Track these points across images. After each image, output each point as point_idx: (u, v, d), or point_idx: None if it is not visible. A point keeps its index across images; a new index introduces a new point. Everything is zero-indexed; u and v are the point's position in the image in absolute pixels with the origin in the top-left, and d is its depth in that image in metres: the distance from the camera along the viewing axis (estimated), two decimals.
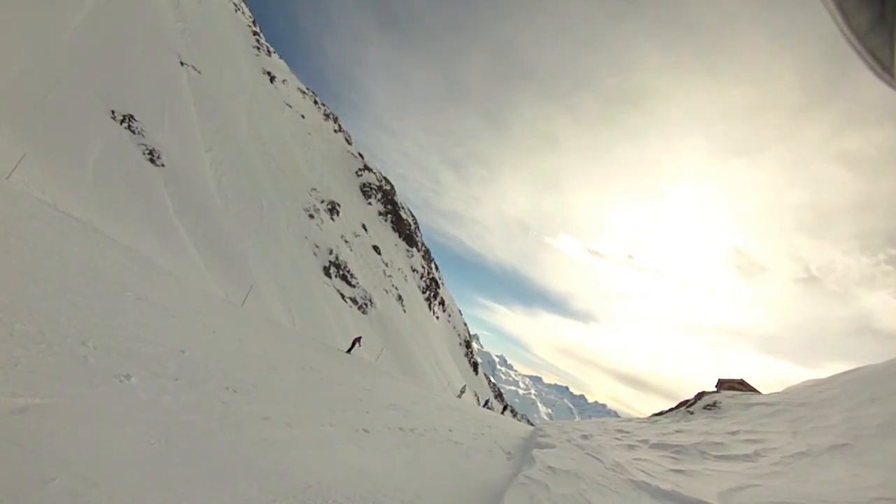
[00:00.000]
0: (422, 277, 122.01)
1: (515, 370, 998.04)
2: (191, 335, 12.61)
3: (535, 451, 11.59)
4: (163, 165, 52.01)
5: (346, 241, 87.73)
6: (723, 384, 22.98)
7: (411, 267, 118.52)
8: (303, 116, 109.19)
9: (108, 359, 7.48)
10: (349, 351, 31.83)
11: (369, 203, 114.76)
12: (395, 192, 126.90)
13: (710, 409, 17.28)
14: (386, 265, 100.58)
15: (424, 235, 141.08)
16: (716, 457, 11.05)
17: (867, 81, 1.32)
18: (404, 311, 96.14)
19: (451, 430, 15.22)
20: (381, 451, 10.05)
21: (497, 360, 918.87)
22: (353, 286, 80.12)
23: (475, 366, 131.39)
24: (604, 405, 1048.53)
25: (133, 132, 51.35)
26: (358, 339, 33.91)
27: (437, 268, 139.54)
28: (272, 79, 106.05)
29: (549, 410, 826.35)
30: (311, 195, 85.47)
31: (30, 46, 44.95)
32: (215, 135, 67.26)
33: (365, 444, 10.00)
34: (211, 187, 58.58)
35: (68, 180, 37.23)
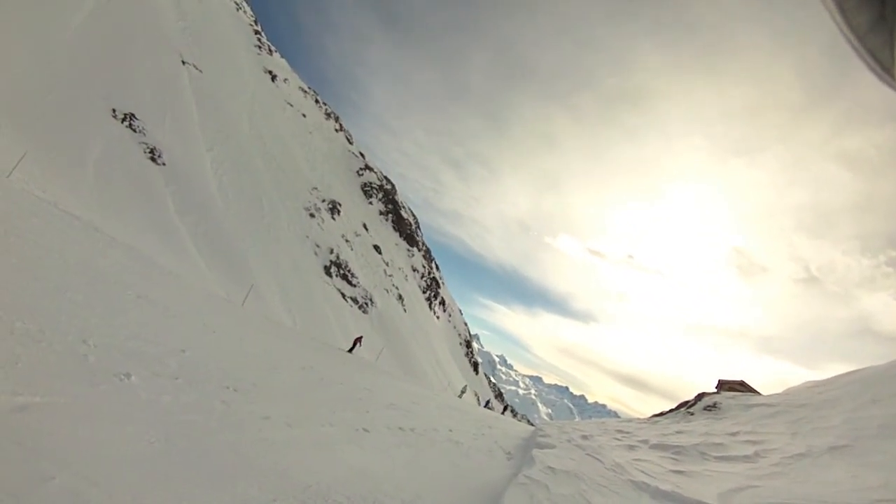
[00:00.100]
0: (422, 277, 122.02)
1: (516, 370, 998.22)
2: (191, 334, 12.61)
3: (535, 452, 11.59)
4: (164, 164, 52.05)
5: (346, 241, 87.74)
6: (723, 385, 22.94)
7: (412, 266, 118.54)
8: (304, 116, 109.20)
9: (108, 357, 7.48)
10: (351, 351, 31.85)
11: (370, 202, 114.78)
12: (395, 191, 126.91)
13: (710, 410, 17.27)
14: (386, 265, 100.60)
15: (425, 235, 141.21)
16: (716, 458, 11.04)
17: (867, 82, 1.32)
18: (405, 311, 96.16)
19: (451, 430, 15.22)
20: (382, 451, 10.05)
21: (497, 359, 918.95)
22: (354, 285, 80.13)
23: (475, 365, 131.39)
24: (604, 405, 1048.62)
25: (134, 131, 51.39)
26: (359, 339, 33.93)
27: (437, 267, 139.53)
28: (273, 78, 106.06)
29: (550, 410, 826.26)
30: (311, 194, 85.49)
31: (31, 45, 44.99)
32: (216, 134, 67.27)
33: (365, 444, 10.00)
34: (212, 186, 58.60)
35: (69, 179, 37.26)
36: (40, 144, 35.94)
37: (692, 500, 7.95)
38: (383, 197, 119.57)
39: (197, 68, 72.88)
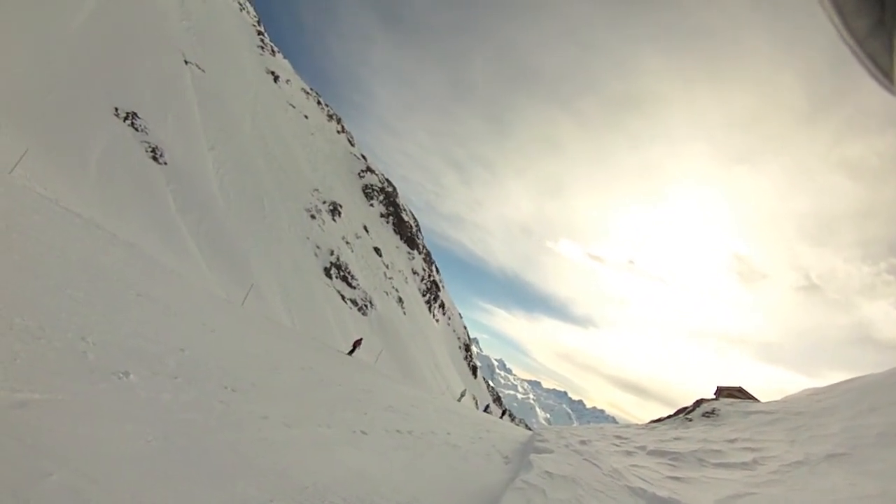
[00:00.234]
0: (422, 280, 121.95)
1: (514, 374, 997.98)
2: (191, 333, 12.62)
3: (533, 456, 11.58)
4: (165, 163, 52.11)
5: (347, 243, 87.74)
6: (721, 391, 22.91)
7: (412, 269, 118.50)
8: (306, 117, 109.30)
9: (107, 355, 7.49)
10: (351, 353, 31.83)
11: (371, 205, 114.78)
12: (397, 193, 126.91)
13: (708, 417, 17.26)
14: (387, 267, 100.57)
15: (426, 238, 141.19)
16: (713, 464, 11.03)
17: (869, 89, 1.32)
18: (404, 314, 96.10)
19: (449, 434, 15.22)
20: (379, 453, 10.05)
21: (496, 363, 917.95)
22: (354, 287, 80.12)
23: (474, 369, 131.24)
24: (602, 411, 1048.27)
25: (136, 130, 51.47)
26: (359, 342, 33.92)
27: (437, 270, 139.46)
28: (276, 78, 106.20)
29: (548, 415, 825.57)
30: (313, 196, 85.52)
31: (33, 43, 45.06)
32: (218, 134, 67.34)
33: (363, 446, 10.00)
34: (213, 186, 58.66)
35: (71, 176, 37.31)
36: (42, 142, 35.99)
37: None
38: (384, 199, 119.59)
39: (199, 68, 72.98)
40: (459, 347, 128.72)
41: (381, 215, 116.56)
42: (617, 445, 14.10)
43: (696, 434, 14.93)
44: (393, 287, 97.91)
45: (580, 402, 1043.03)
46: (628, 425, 22.56)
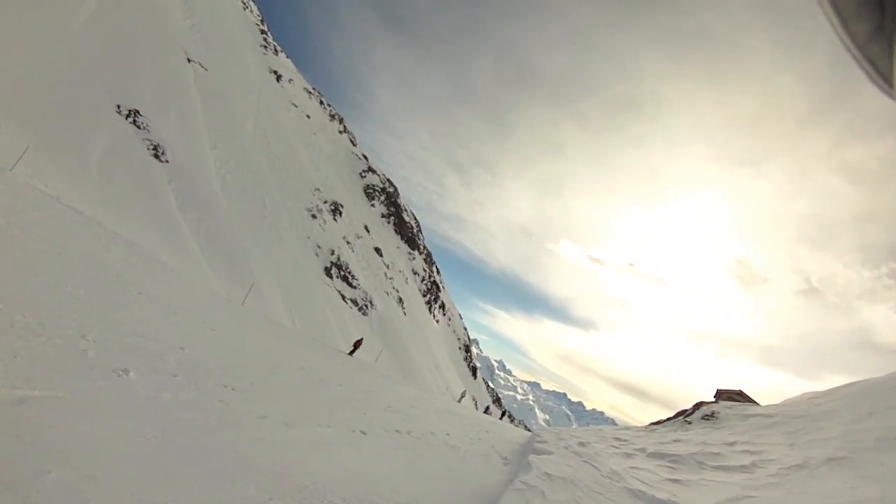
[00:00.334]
0: (423, 280, 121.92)
1: (514, 376, 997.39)
2: (191, 332, 12.63)
3: (532, 457, 11.58)
4: (167, 161, 52.10)
5: (348, 243, 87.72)
6: (721, 395, 22.93)
7: (413, 270, 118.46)
8: (308, 116, 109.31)
9: (107, 353, 7.49)
10: (351, 353, 31.83)
11: (372, 205, 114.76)
12: (398, 194, 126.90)
13: (708, 420, 17.25)
14: (387, 267, 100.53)
15: (427, 239, 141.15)
16: (713, 467, 11.03)
17: (870, 93, 1.32)
18: (405, 314, 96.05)
19: (448, 434, 15.21)
20: (379, 453, 10.05)
21: (496, 364, 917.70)
22: (354, 287, 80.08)
23: (474, 370, 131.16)
24: (601, 413, 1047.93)
25: (138, 127, 51.45)
26: (359, 342, 33.91)
27: (438, 271, 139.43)
28: (279, 78, 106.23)
29: (547, 417, 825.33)
30: (314, 195, 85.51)
31: (36, 41, 45.07)
32: (220, 132, 67.35)
33: (362, 446, 10.00)
34: (215, 185, 58.65)
35: (72, 174, 37.30)
36: (44, 139, 35.98)
37: None
38: (386, 199, 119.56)
39: (202, 66, 73.01)
40: (459, 348, 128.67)
41: (383, 215, 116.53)
42: (616, 447, 14.10)
43: (696, 437, 14.93)
44: (393, 287, 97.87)
45: (580, 403, 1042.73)
46: (627, 427, 22.57)
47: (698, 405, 20.15)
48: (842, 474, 9.28)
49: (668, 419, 21.00)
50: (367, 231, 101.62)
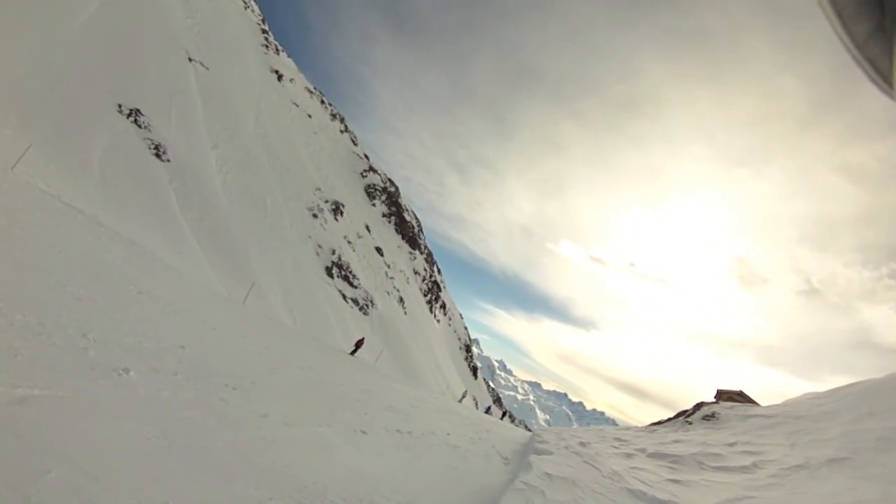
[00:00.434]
0: (424, 280, 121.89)
1: (515, 375, 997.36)
2: (191, 331, 12.63)
3: (533, 457, 11.57)
4: (168, 161, 52.07)
5: (349, 242, 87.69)
6: (722, 395, 22.91)
7: (413, 269, 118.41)
8: (309, 116, 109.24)
9: (107, 352, 7.50)
10: (353, 353, 31.84)
11: (373, 204, 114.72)
12: (399, 193, 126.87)
13: (708, 420, 17.24)
14: (388, 267, 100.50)
15: (427, 238, 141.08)
16: (713, 468, 11.02)
17: (871, 94, 1.32)
18: (405, 314, 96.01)
19: (449, 434, 15.21)
20: (379, 453, 10.05)
21: (497, 364, 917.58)
22: (355, 287, 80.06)
23: (475, 370, 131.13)
24: (602, 413, 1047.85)
25: (139, 126, 51.42)
26: (361, 341, 33.91)
27: (439, 271, 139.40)
28: (280, 77, 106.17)
29: (548, 417, 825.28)
30: (315, 195, 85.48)
31: (37, 40, 45.07)
32: (221, 132, 67.35)
33: (363, 446, 10.00)
34: (216, 184, 58.64)
35: (73, 173, 37.31)
36: (45, 138, 36.01)
37: None
38: (387, 199, 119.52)
39: (203, 66, 73.00)
40: (460, 348, 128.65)
41: (383, 215, 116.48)
42: (616, 448, 14.09)
43: (696, 437, 14.92)
44: (394, 287, 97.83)
45: (580, 403, 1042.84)
46: (628, 428, 22.56)
47: (699, 405, 20.14)
48: (842, 475, 9.27)
49: (669, 419, 20.99)
50: (368, 230, 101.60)
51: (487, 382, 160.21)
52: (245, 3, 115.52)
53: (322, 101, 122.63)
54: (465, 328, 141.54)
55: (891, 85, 1.23)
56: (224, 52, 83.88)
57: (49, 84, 42.85)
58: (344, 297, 75.70)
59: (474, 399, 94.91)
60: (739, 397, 22.63)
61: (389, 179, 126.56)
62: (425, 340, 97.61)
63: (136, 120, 51.33)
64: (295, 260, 67.20)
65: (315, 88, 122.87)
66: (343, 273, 78.68)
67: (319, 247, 76.87)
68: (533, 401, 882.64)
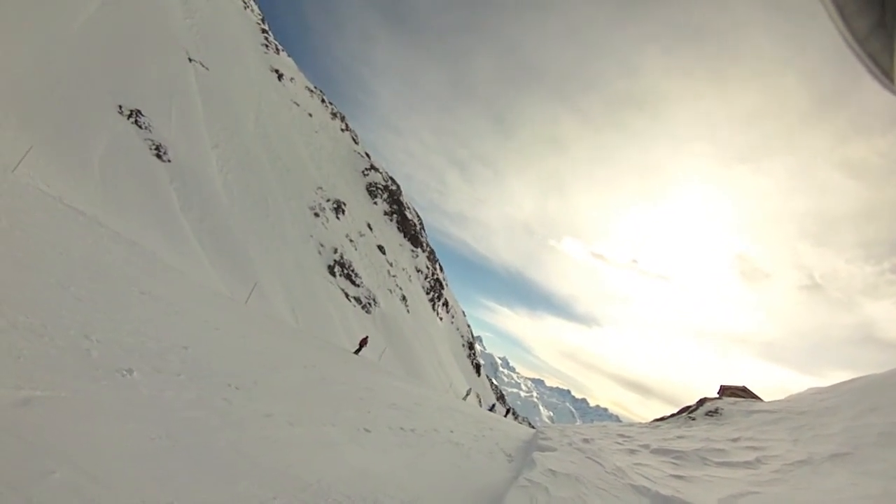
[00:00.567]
0: (426, 278, 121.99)
1: (518, 372, 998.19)
2: (194, 331, 12.64)
3: (536, 454, 11.58)
4: (169, 161, 52.13)
5: (350, 241, 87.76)
6: (725, 391, 22.88)
7: (416, 267, 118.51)
8: (310, 115, 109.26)
9: (110, 353, 7.50)
10: (357, 352, 31.88)
11: (375, 203, 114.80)
12: (400, 192, 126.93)
13: (711, 416, 17.24)
14: (390, 265, 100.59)
15: (429, 236, 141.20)
16: (716, 463, 11.02)
17: (871, 89, 1.32)
18: (408, 312, 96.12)
19: (452, 432, 15.21)
20: (383, 451, 10.05)
21: (499, 362, 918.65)
22: (358, 285, 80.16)
23: (478, 367, 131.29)
24: (605, 409, 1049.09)
25: (140, 127, 51.47)
26: (365, 340, 33.95)
27: (441, 269, 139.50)
28: (280, 77, 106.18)
29: (551, 413, 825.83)
30: (316, 194, 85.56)
31: (37, 40, 45.10)
32: (222, 131, 67.40)
33: (366, 444, 10.00)
34: (217, 184, 58.71)
35: (74, 174, 37.35)
36: (46, 139, 36.06)
37: None
38: (388, 197, 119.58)
39: (203, 66, 73.03)
40: (463, 345, 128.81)
41: (385, 213, 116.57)
42: (620, 444, 14.10)
43: (700, 433, 14.92)
44: (396, 285, 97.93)
45: (583, 400, 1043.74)
46: (631, 424, 22.56)
47: (702, 401, 20.12)
48: (845, 470, 9.27)
49: (672, 415, 20.99)
50: (370, 229, 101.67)
51: (490, 380, 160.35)
52: (244, 2, 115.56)
53: (322, 100, 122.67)
54: (468, 326, 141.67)
55: (892, 80, 1.23)
56: (224, 52, 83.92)
57: (49, 84, 42.89)
58: (346, 295, 75.80)
59: (478, 396, 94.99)
60: (742, 393, 22.61)
61: (391, 178, 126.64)
62: (428, 338, 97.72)
63: (136, 121, 51.41)
64: (297, 259, 67.28)
65: (315, 87, 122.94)
66: (345, 272, 78.78)
67: (321, 246, 76.96)
68: (536, 398, 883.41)
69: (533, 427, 29.25)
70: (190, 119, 61.65)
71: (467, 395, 54.86)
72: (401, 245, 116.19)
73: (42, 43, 45.39)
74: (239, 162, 67.16)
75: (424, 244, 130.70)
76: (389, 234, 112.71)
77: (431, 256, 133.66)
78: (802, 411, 14.30)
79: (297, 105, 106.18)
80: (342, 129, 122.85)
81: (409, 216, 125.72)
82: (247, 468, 6.25)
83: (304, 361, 17.32)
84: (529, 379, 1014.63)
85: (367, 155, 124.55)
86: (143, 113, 52.77)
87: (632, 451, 12.91)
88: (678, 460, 11.54)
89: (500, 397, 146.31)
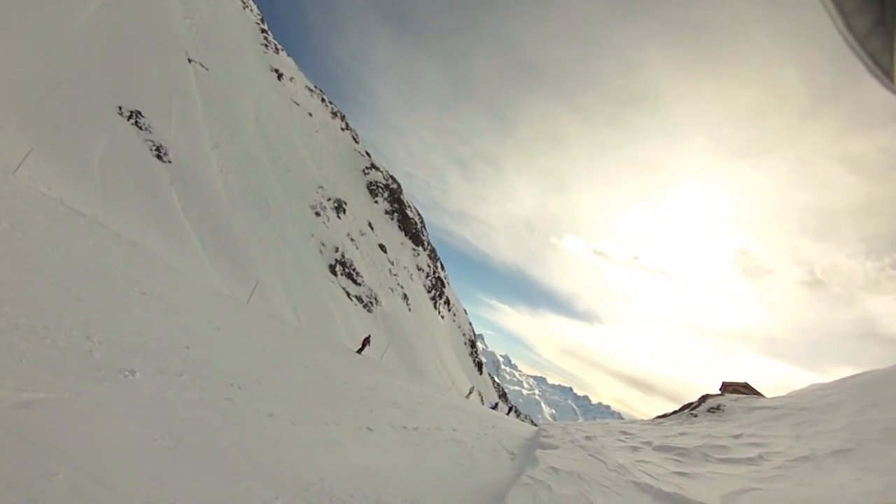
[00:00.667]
0: (427, 276, 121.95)
1: (520, 370, 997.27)
2: (195, 331, 12.66)
3: (539, 452, 11.59)
4: (169, 162, 52.13)
5: (352, 240, 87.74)
6: (727, 387, 22.86)
7: (417, 266, 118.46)
8: (310, 114, 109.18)
9: (112, 354, 7.51)
10: (360, 351, 31.89)
11: (376, 201, 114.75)
12: (401, 190, 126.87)
13: (713, 412, 17.23)
14: (392, 264, 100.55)
15: (430, 234, 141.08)
16: (719, 460, 11.02)
17: (871, 84, 1.32)
18: (409, 310, 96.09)
19: (454, 430, 15.21)
20: (385, 450, 10.06)
21: (501, 359, 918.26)
22: (359, 284, 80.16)
23: (480, 366, 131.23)
24: (607, 407, 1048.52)
25: (140, 128, 51.47)
26: (367, 339, 33.97)
27: (442, 267, 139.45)
28: (280, 76, 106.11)
29: (553, 411, 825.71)
30: (317, 193, 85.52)
31: (36, 42, 45.10)
32: (222, 131, 67.37)
33: (369, 443, 10.01)
34: (217, 184, 58.69)
35: (74, 176, 37.37)
36: (46, 141, 36.08)
37: (695, 501, 7.94)
38: (389, 196, 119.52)
39: (203, 66, 72.99)
40: (465, 343, 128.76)
41: (386, 212, 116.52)
42: (622, 441, 14.10)
43: (702, 430, 14.92)
44: (398, 284, 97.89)
45: (585, 397, 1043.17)
46: (633, 421, 22.56)
47: (704, 398, 20.11)
48: (847, 466, 9.26)
49: (674, 412, 20.98)
50: (371, 228, 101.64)
51: (493, 377, 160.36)
52: (244, 2, 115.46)
53: (322, 100, 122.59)
54: (470, 324, 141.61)
55: (891, 79, 1.23)
56: (223, 52, 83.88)
57: (49, 84, 42.91)
58: (348, 294, 75.80)
59: (480, 395, 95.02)
60: (744, 389, 22.59)
61: (391, 176, 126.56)
62: (430, 337, 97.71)
63: (136, 122, 51.43)
64: (298, 258, 67.28)
65: (315, 87, 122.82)
66: (346, 271, 78.78)
67: (322, 245, 76.95)
68: (538, 395, 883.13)
69: (535, 425, 29.27)
70: (190, 119, 61.64)
71: (470, 393, 54.83)
72: (402, 243, 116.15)
73: (42, 43, 45.40)
74: (239, 162, 67.15)
75: (425, 242, 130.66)
76: (390, 232, 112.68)
77: (432, 255, 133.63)
78: (805, 407, 14.29)
79: (297, 105, 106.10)
80: (342, 129, 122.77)
81: (410, 215, 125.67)
82: (249, 468, 6.26)
83: (306, 361, 17.33)
84: (531, 376, 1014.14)
85: (368, 154, 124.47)
86: (142, 114, 52.77)
87: (634, 449, 12.91)
88: (680, 457, 11.54)
89: (503, 395, 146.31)
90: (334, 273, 75.81)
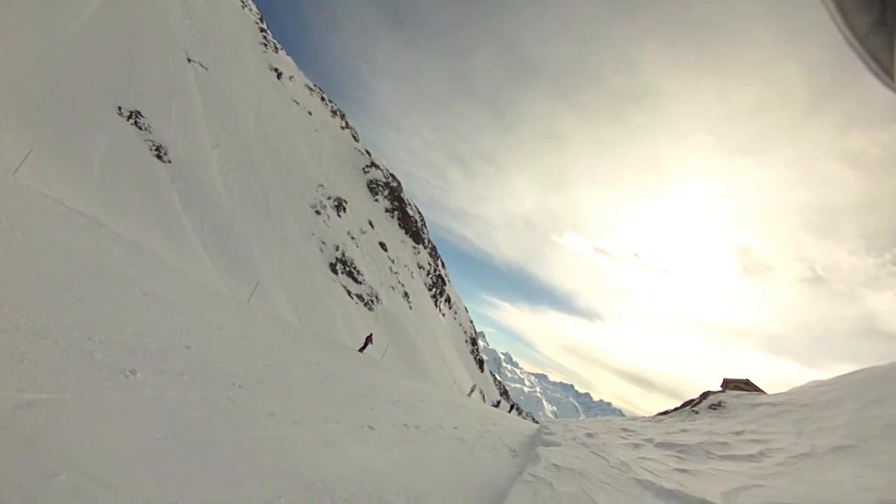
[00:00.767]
0: (428, 274, 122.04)
1: (521, 368, 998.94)
2: (196, 331, 12.65)
3: (540, 449, 11.59)
4: (169, 162, 52.13)
5: (352, 238, 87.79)
6: (728, 384, 22.90)
7: (417, 264, 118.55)
8: (310, 113, 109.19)
9: (113, 354, 7.51)
10: (362, 350, 31.90)
11: (376, 200, 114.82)
12: (401, 188, 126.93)
13: (715, 409, 17.25)
14: (392, 262, 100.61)
15: (431, 232, 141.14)
16: (720, 456, 11.03)
17: (871, 82, 1.32)
18: (410, 308, 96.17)
19: (456, 428, 15.22)
20: (386, 448, 10.06)
21: (503, 357, 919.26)
22: (360, 283, 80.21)
23: (481, 363, 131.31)
24: (609, 404, 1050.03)
25: (140, 128, 51.48)
26: (369, 338, 33.97)
27: (443, 265, 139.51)
28: (279, 75, 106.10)
29: (555, 408, 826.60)
30: (317, 192, 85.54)
31: (36, 42, 45.09)
32: (222, 131, 67.37)
33: (370, 441, 10.00)
34: (217, 183, 58.70)
35: (75, 176, 37.37)
36: (46, 141, 36.07)
37: (696, 498, 7.94)
38: (389, 194, 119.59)
39: (203, 66, 72.97)
40: (466, 341, 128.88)
41: (386, 210, 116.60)
42: (624, 438, 14.11)
43: (703, 426, 14.93)
44: (399, 282, 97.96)
45: (587, 394, 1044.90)
46: (635, 418, 22.59)
47: (705, 395, 20.15)
48: (848, 462, 9.27)
49: (676, 409, 21.01)
50: (372, 226, 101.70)
51: (494, 375, 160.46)
52: (243, 2, 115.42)
53: (322, 99, 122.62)
54: (471, 321, 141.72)
55: (892, 78, 1.23)
56: (223, 52, 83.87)
57: (49, 85, 42.91)
58: (349, 293, 75.85)
59: (482, 393, 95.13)
60: (745, 386, 22.62)
61: (392, 175, 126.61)
62: (431, 335, 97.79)
63: (136, 122, 51.45)
64: (298, 257, 67.30)
65: (315, 86, 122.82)
66: (347, 269, 78.84)
67: (323, 243, 76.99)
68: (540, 393, 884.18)
69: (537, 422, 29.30)
70: (190, 119, 61.63)
71: (472, 391, 54.82)
72: (402, 242, 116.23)
73: (42, 43, 45.39)
74: (239, 161, 67.16)
75: (426, 241, 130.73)
76: (391, 230, 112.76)
77: (433, 253, 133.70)
78: (805, 404, 14.30)
79: (297, 103, 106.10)
80: (342, 127, 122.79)
81: (411, 213, 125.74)
82: (251, 467, 6.26)
83: (307, 360, 17.34)
84: (533, 374, 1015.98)
85: (368, 152, 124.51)
86: (142, 114, 52.78)
87: (636, 446, 12.92)
88: (682, 454, 11.55)
89: (504, 393, 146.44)
90: (335, 272, 75.85)
